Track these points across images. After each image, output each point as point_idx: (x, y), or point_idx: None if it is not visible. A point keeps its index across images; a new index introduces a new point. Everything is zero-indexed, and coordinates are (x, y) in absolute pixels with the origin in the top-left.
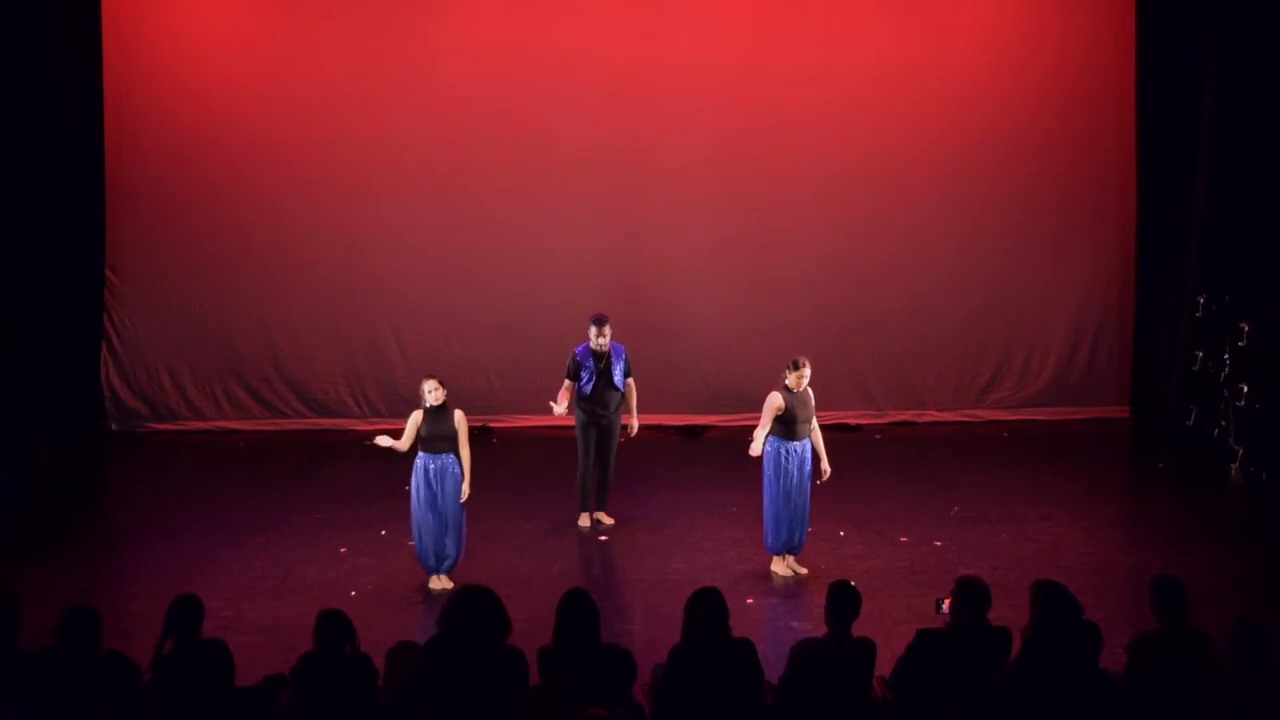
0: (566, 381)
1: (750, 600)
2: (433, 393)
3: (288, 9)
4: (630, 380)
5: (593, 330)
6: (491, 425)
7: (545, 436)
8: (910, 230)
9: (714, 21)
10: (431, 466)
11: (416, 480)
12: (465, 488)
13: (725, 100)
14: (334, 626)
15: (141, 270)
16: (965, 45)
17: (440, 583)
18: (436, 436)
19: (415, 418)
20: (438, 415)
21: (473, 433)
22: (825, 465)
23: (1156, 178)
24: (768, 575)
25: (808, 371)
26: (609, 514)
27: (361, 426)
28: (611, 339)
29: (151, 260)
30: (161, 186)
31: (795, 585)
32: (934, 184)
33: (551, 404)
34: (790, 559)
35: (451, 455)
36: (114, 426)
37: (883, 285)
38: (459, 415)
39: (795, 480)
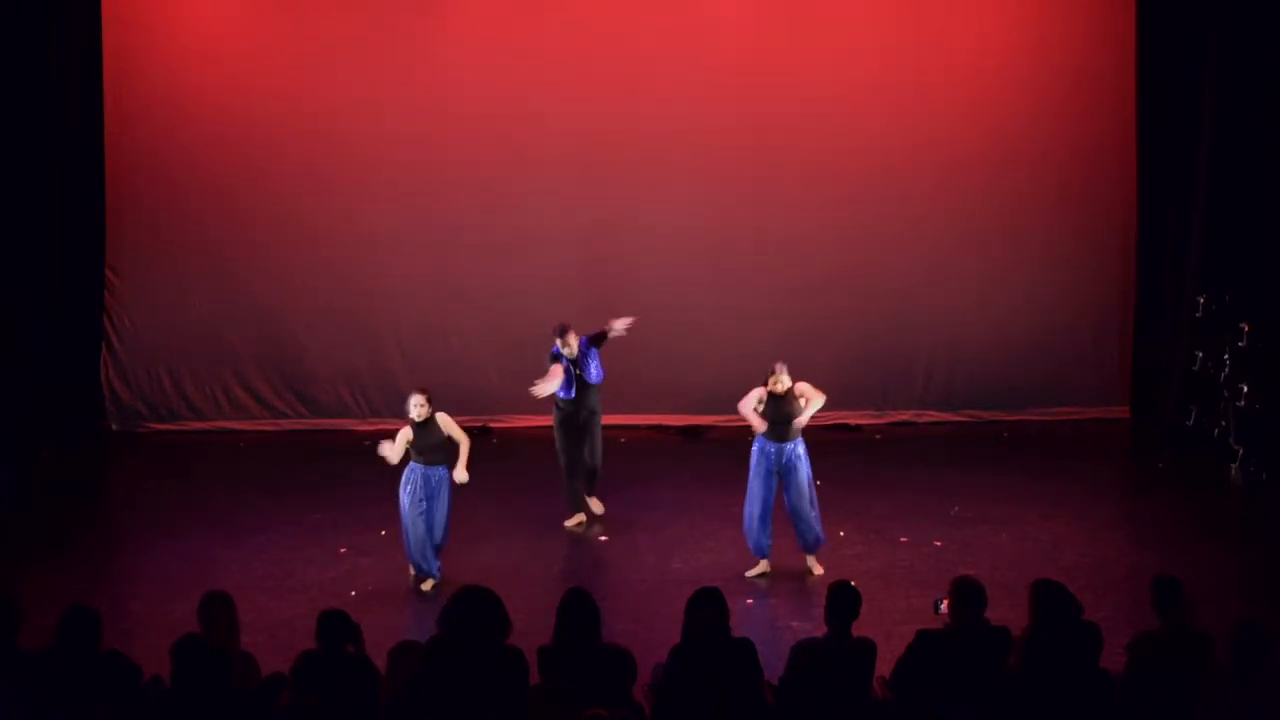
0: (554, 365)
1: (750, 600)
2: (417, 409)
3: (286, 9)
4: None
5: (557, 342)
6: (491, 425)
7: (545, 437)
8: (909, 230)
9: (711, 19)
10: (430, 477)
11: (410, 489)
12: (461, 468)
13: (727, 101)
14: (335, 626)
15: (141, 270)
16: (964, 45)
17: (429, 584)
18: (428, 448)
19: (405, 433)
20: (425, 428)
21: (472, 433)
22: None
23: (1156, 178)
24: (767, 575)
25: (780, 377)
26: (599, 500)
27: (361, 427)
28: (581, 340)
29: (151, 260)
30: (161, 186)
31: (795, 585)
32: (933, 184)
33: (536, 385)
34: (809, 558)
35: (444, 466)
36: (114, 426)
37: (881, 285)
38: (443, 418)
39: (787, 483)
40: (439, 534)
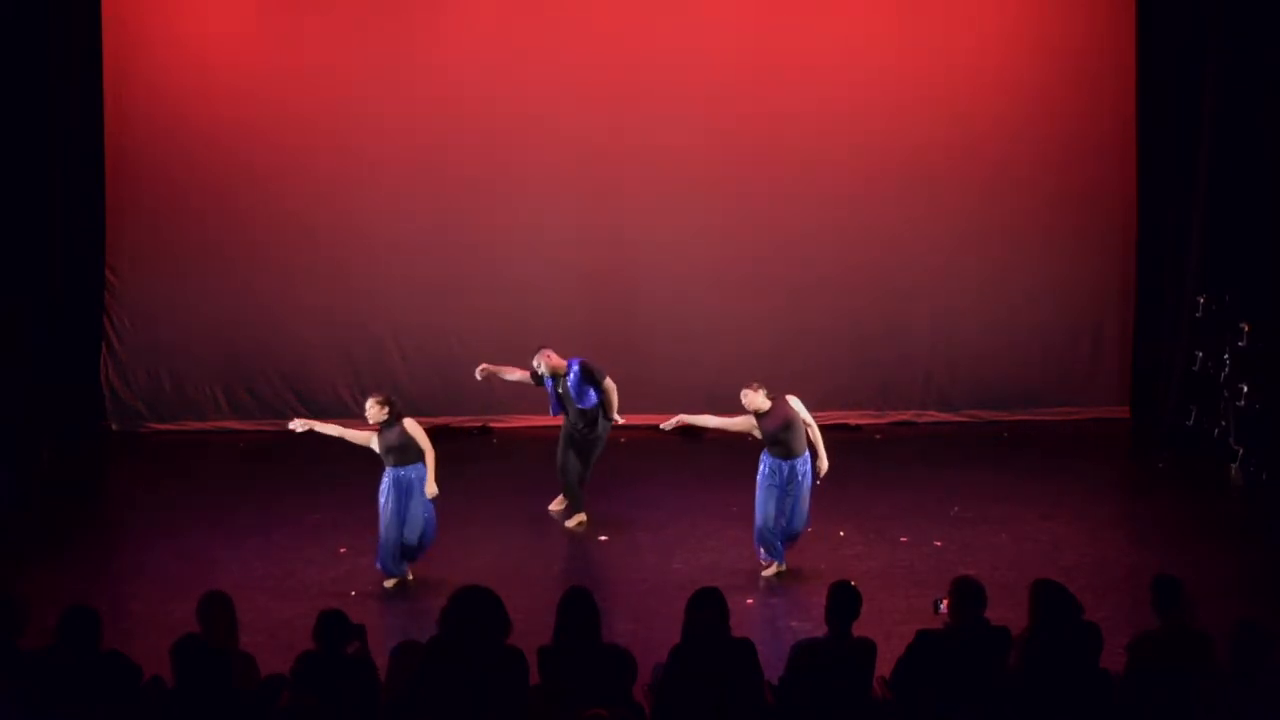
0: (524, 374)
1: (750, 600)
2: (370, 412)
3: (287, 10)
4: (606, 383)
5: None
6: (491, 425)
7: (545, 437)
8: (909, 230)
9: (710, 20)
10: (400, 479)
11: (383, 493)
12: (429, 485)
13: (727, 102)
14: (334, 626)
15: (141, 270)
16: (964, 45)
17: (392, 582)
18: (392, 450)
19: (371, 437)
20: (386, 431)
21: (472, 433)
22: (822, 463)
23: (1156, 178)
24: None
25: (747, 393)
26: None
27: (361, 427)
28: (568, 356)
29: (151, 261)
30: (161, 187)
31: (795, 585)
32: (933, 184)
33: (482, 367)
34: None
35: (417, 465)
36: (114, 426)
37: (881, 285)
38: (408, 423)
39: (778, 496)
40: (415, 535)
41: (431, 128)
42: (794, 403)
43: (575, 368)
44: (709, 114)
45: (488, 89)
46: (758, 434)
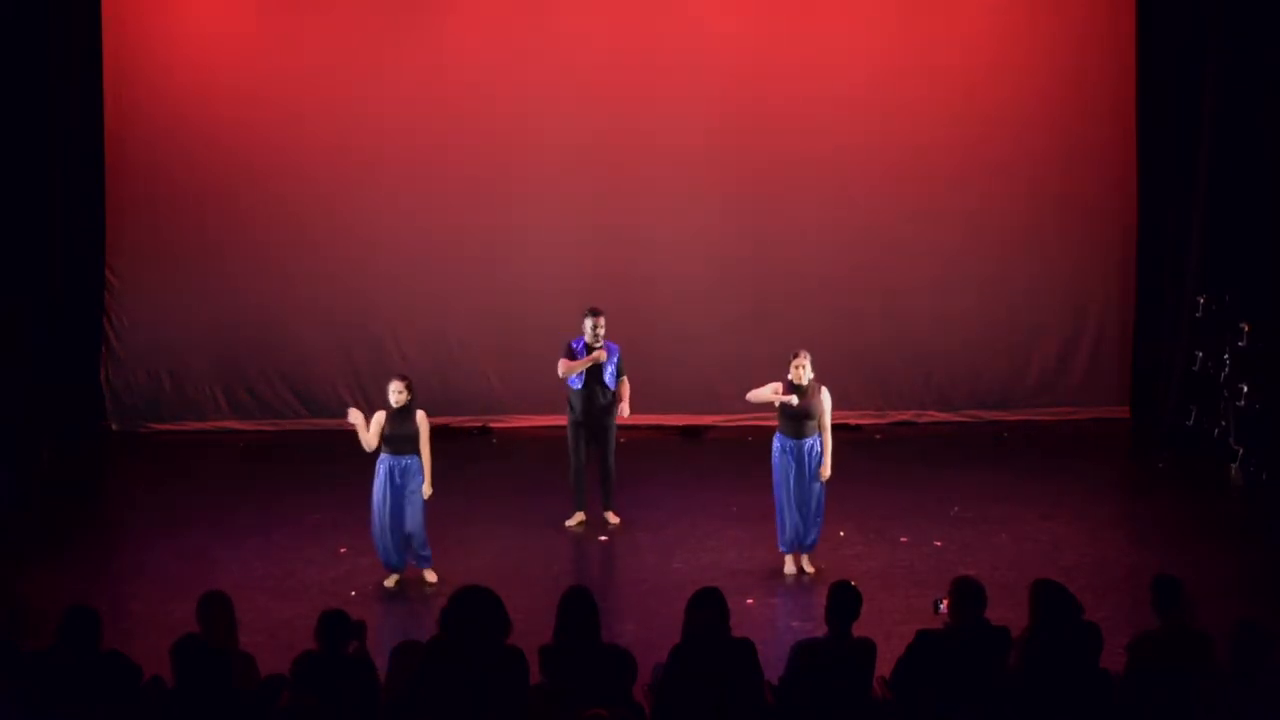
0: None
1: (750, 600)
2: (397, 395)
3: (287, 10)
4: (623, 378)
5: (588, 323)
6: (491, 425)
7: (545, 436)
8: (909, 230)
9: (711, 20)
10: (396, 467)
11: (380, 481)
12: (426, 487)
13: (728, 103)
14: (336, 626)
15: (141, 271)
16: (965, 45)
17: (393, 580)
18: (399, 437)
19: (379, 418)
20: (401, 416)
21: (472, 433)
22: (825, 469)
23: (1156, 178)
24: (768, 575)
25: (803, 363)
26: (615, 513)
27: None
28: (605, 339)
29: (151, 261)
30: (161, 187)
31: (795, 585)
32: (933, 184)
33: (560, 363)
34: (803, 558)
35: (414, 456)
36: (114, 426)
37: (881, 285)
38: (421, 416)
39: (794, 478)
40: (414, 524)
41: (431, 128)
42: (826, 399)
43: (616, 352)
44: (709, 114)
45: (488, 89)
46: (777, 404)
